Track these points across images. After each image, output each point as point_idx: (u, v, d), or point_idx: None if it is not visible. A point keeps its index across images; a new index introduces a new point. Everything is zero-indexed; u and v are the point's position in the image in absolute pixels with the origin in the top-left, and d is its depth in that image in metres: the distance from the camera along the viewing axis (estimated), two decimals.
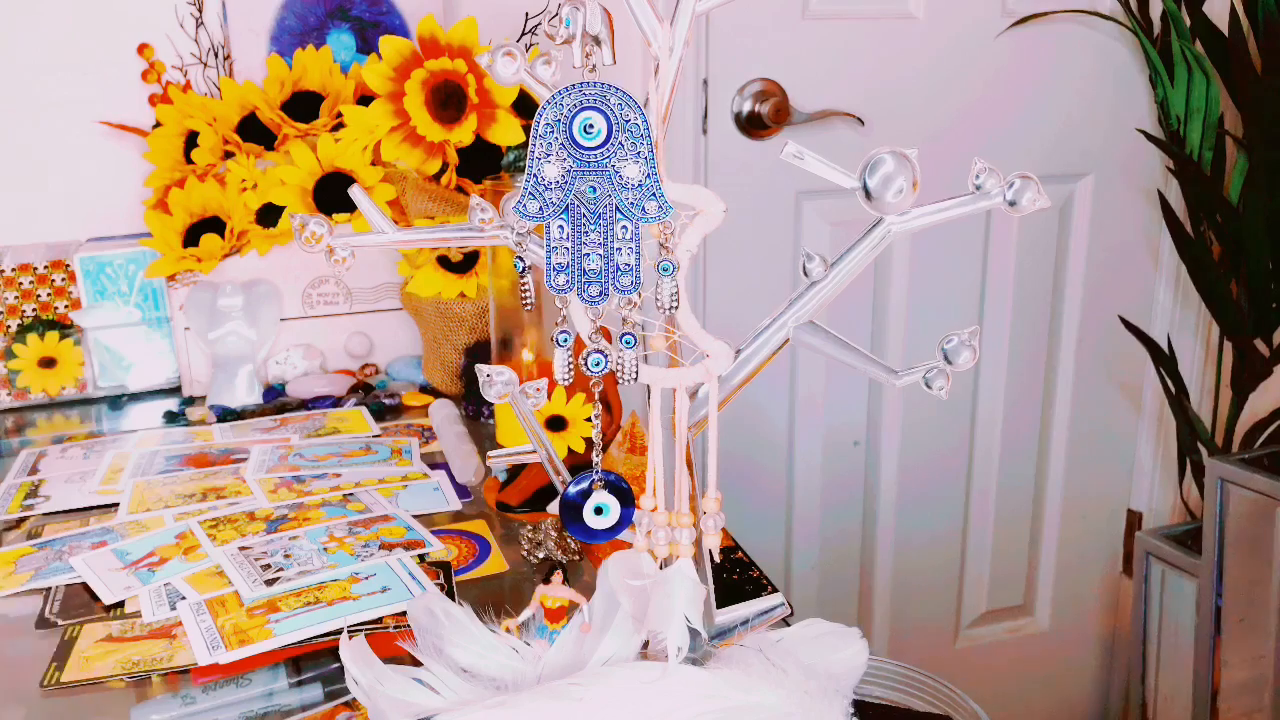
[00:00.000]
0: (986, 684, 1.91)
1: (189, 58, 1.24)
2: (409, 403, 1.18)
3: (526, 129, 0.97)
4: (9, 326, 1.19)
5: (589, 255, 0.50)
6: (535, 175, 0.49)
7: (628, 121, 0.48)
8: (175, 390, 1.23)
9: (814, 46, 1.54)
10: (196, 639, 0.70)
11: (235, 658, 0.68)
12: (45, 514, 0.91)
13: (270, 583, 0.76)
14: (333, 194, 1.14)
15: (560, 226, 0.49)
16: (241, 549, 0.81)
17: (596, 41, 0.49)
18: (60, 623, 0.74)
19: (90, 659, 0.69)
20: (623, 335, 0.51)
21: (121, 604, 0.75)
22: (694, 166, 1.53)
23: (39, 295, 1.20)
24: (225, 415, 1.14)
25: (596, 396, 0.54)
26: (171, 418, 1.15)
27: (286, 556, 0.80)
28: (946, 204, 0.51)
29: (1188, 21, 1.58)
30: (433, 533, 0.86)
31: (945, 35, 1.58)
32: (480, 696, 0.55)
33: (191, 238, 1.15)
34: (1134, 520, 1.92)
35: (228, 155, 1.17)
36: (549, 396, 0.69)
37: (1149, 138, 1.63)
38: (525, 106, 1.12)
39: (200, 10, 1.23)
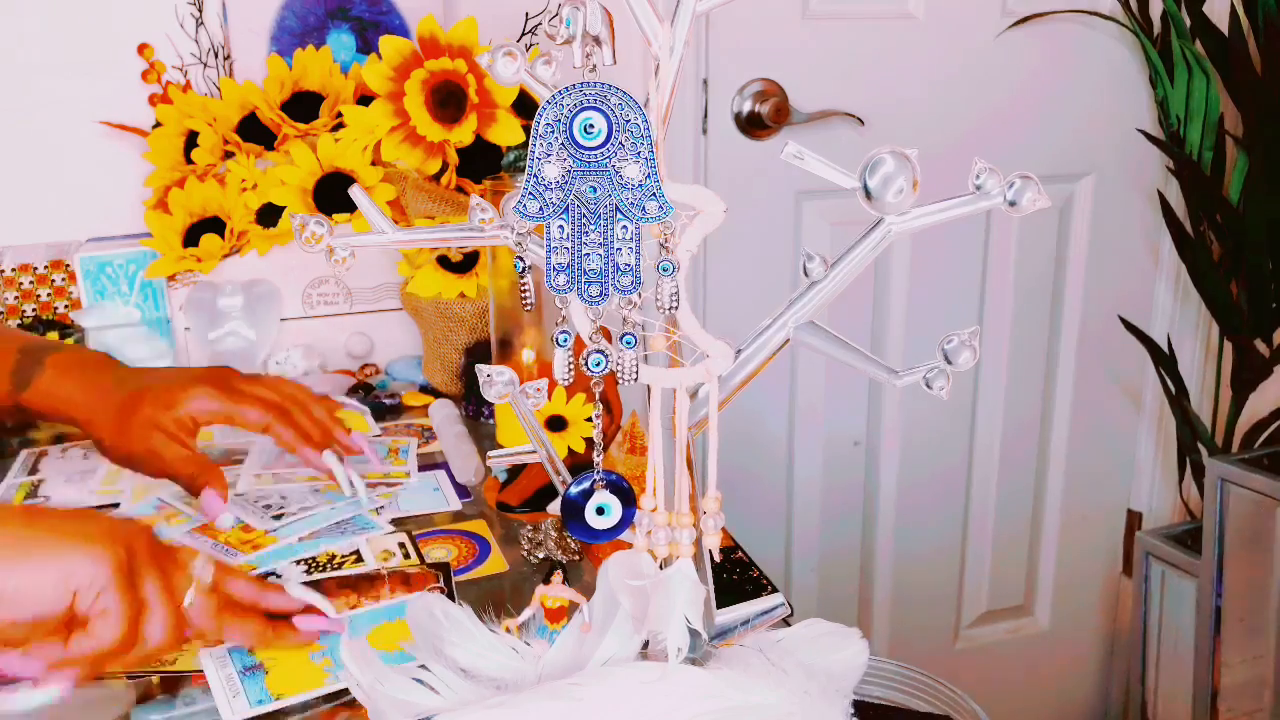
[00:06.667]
0: (986, 684, 1.91)
1: (189, 58, 1.24)
2: (409, 403, 1.18)
3: (526, 129, 0.97)
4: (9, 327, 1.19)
5: (589, 255, 0.50)
6: (535, 175, 0.49)
7: (628, 121, 0.48)
8: None
9: (814, 46, 1.54)
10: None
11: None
12: None
13: (277, 517, 0.84)
14: (333, 194, 1.14)
15: (560, 226, 0.49)
16: (237, 495, 0.87)
17: (596, 41, 0.49)
18: None
19: None
20: (623, 335, 0.51)
21: None
22: (694, 166, 1.53)
23: (39, 295, 1.20)
24: None
25: (596, 396, 0.53)
26: None
27: (283, 498, 0.90)
28: (946, 204, 0.51)
29: (1188, 21, 1.58)
30: (433, 533, 0.86)
31: (945, 35, 1.58)
32: (480, 696, 0.55)
33: (191, 238, 1.15)
34: (1134, 520, 1.92)
35: (228, 155, 1.17)
36: (549, 396, 0.69)
37: (1149, 138, 1.63)
38: (525, 106, 1.12)
39: (200, 10, 1.23)
